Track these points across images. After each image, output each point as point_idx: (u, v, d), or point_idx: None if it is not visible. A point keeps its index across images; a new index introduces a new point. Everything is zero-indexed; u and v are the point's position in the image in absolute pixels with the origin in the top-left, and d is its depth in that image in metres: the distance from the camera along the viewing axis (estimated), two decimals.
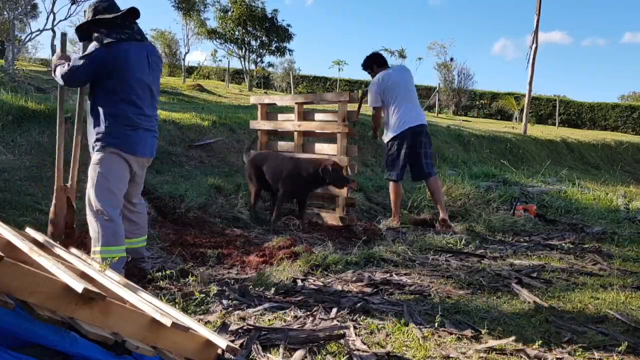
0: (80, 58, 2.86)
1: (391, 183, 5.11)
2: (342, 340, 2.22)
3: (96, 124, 2.93)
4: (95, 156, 2.94)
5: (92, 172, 2.92)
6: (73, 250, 2.58)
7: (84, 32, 3.00)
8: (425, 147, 5.05)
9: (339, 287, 3.08)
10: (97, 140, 2.92)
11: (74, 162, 3.24)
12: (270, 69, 26.79)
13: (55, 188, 3.22)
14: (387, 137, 5.10)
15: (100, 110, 2.91)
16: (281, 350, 2.11)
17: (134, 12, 2.95)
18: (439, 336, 2.37)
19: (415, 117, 5.02)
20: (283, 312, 2.59)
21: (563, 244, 4.49)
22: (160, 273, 2.93)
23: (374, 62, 5.23)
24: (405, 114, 4.97)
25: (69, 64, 2.91)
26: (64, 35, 3.29)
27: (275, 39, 23.02)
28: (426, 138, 5.08)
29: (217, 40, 23.06)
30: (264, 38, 22.95)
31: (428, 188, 5.20)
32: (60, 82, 3.00)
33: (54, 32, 13.89)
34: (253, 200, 4.91)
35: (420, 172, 5.09)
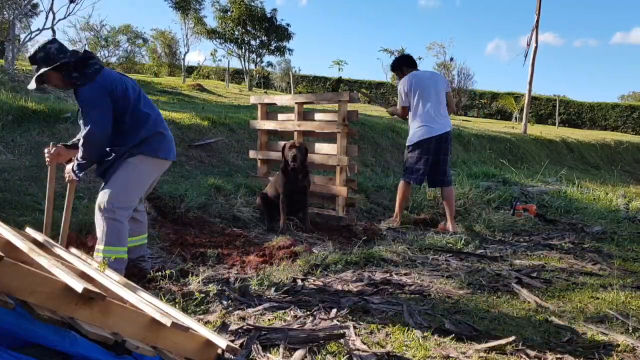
0: (85, 116, 2.75)
1: (402, 182, 5.03)
2: (342, 340, 2.22)
3: (125, 142, 2.89)
4: (130, 159, 2.90)
5: (123, 171, 2.89)
6: (73, 250, 2.58)
7: (41, 81, 2.82)
8: (447, 154, 4.95)
9: (339, 287, 3.08)
10: (132, 148, 2.89)
11: (65, 220, 3.00)
12: (269, 69, 26.81)
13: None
14: (409, 141, 4.99)
15: (126, 136, 2.89)
16: (281, 350, 2.11)
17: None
18: (439, 336, 2.37)
19: (441, 124, 4.88)
20: (283, 312, 2.59)
21: (563, 244, 4.49)
22: (160, 273, 2.93)
23: (403, 64, 5.13)
24: (431, 120, 4.84)
25: (81, 141, 2.80)
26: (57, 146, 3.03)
27: (275, 39, 23.02)
28: (449, 145, 4.98)
29: (217, 40, 23.07)
30: (263, 38, 22.96)
31: (443, 197, 5.06)
32: (93, 158, 2.86)
33: (53, 31, 13.86)
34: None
35: (439, 180, 4.98)
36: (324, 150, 5.11)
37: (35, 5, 17.65)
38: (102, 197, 2.88)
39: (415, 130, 4.92)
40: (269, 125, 5.59)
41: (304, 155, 4.68)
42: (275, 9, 22.59)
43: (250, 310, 2.60)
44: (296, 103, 5.29)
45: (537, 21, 14.73)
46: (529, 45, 14.82)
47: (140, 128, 2.92)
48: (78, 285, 1.57)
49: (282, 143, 5.56)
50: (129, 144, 2.90)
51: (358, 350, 2.16)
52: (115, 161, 2.91)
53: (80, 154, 2.85)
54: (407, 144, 5.04)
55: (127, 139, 2.90)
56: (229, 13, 22.30)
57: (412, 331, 2.41)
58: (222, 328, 2.30)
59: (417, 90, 4.88)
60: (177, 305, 2.50)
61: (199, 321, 2.16)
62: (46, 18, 17.89)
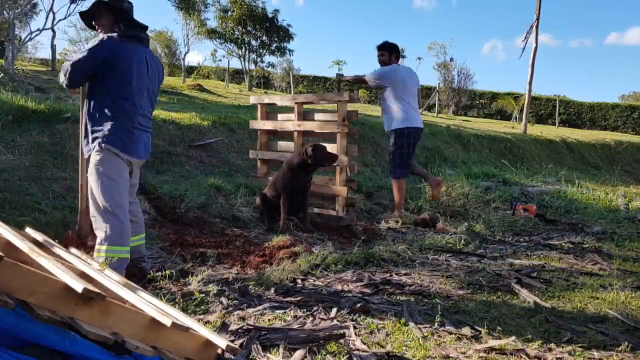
0: (81, 52, 2.89)
1: (399, 180, 5.19)
2: (342, 340, 2.22)
3: (95, 124, 2.92)
4: (94, 157, 2.91)
5: (95, 174, 2.89)
6: (73, 250, 2.58)
7: (93, 14, 3.02)
8: (415, 148, 5.34)
9: (339, 287, 3.08)
10: (95, 140, 2.91)
11: (82, 178, 3.15)
12: (270, 69, 26.80)
13: (79, 211, 3.23)
14: (394, 124, 5.18)
15: (99, 110, 2.90)
16: (281, 350, 2.11)
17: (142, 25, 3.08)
18: (439, 336, 2.37)
19: (418, 118, 5.27)
20: (283, 312, 2.59)
21: (563, 244, 4.49)
22: (160, 273, 2.93)
23: (392, 50, 5.40)
24: (413, 111, 5.20)
25: (69, 62, 2.92)
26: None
27: (276, 39, 23.02)
28: (419, 140, 5.39)
29: (217, 40, 23.07)
30: (264, 38, 22.95)
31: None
32: (65, 82, 2.95)
33: (53, 31, 13.92)
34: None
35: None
36: None
37: (35, 5, 17.65)
38: (100, 200, 2.87)
39: (399, 115, 5.14)
40: (269, 125, 5.59)
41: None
42: (277, 10, 22.61)
43: (250, 310, 2.60)
44: (296, 103, 5.29)
45: (537, 22, 14.72)
46: (526, 41, 14.82)
47: (117, 114, 2.89)
48: (78, 285, 1.57)
49: (281, 143, 5.58)
50: (102, 127, 2.87)
51: (358, 350, 2.16)
52: (90, 147, 2.93)
53: (61, 72, 2.98)
54: (393, 127, 5.18)
55: (104, 114, 2.88)
56: (230, 13, 22.30)
57: (412, 331, 2.41)
58: (222, 328, 2.30)
59: (402, 81, 5.19)
60: (177, 305, 2.50)
61: (199, 321, 2.16)
62: (46, 18, 17.89)
